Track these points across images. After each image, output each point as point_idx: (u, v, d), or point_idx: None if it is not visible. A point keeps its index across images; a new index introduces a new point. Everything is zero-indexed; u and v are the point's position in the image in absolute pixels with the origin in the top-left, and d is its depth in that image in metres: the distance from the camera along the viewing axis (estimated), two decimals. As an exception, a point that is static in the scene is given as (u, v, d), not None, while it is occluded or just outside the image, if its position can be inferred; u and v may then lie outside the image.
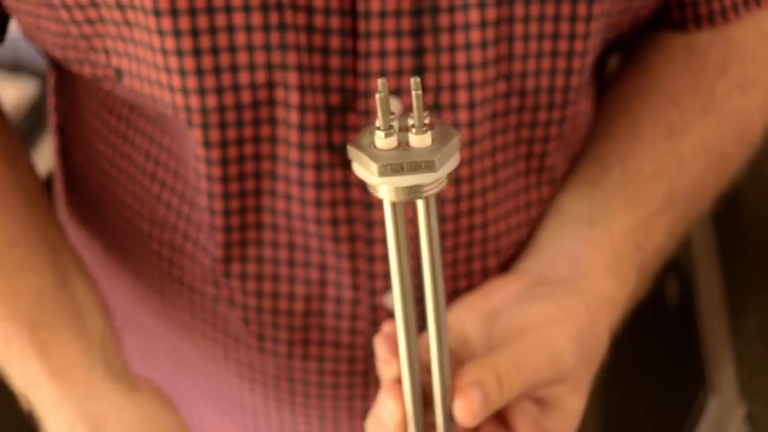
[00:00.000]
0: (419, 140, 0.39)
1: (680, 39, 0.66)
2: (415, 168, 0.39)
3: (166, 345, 0.69)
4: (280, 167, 0.56)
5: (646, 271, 0.62)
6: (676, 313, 1.26)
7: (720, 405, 1.06)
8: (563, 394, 0.54)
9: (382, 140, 0.39)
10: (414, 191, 0.40)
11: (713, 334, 1.12)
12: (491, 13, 0.53)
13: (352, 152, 0.40)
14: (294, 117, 0.54)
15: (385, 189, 0.40)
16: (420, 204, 0.42)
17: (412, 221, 0.45)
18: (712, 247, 1.18)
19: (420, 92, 0.39)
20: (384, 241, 0.57)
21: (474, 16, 0.52)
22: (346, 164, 0.56)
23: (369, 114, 0.54)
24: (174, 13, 0.49)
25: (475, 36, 0.53)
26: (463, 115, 0.55)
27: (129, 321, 0.71)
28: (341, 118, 0.54)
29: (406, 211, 0.43)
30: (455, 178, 0.57)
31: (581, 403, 0.55)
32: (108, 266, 0.70)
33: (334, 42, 0.52)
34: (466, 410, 0.48)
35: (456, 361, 0.55)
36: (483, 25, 0.53)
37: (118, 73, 0.55)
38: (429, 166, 0.39)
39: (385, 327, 0.53)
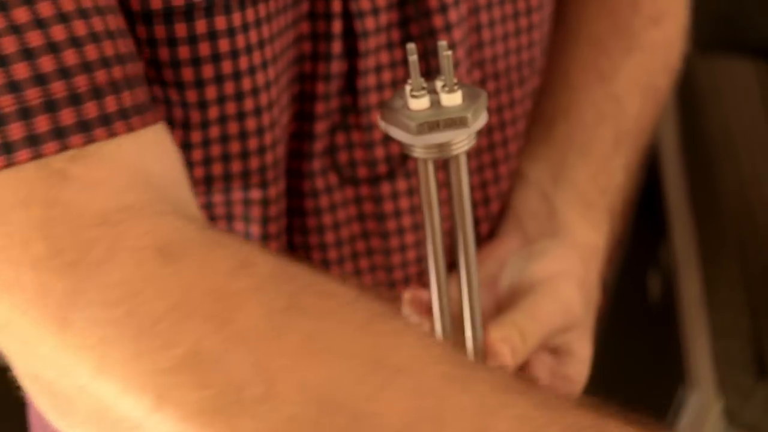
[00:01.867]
0: (450, 99, 0.41)
1: None
2: (450, 124, 0.41)
3: None
4: (292, 201, 0.56)
5: (614, 211, 0.65)
6: (659, 309, 1.27)
7: (699, 399, 1.08)
8: (574, 340, 0.56)
9: (415, 101, 0.41)
10: (446, 148, 0.42)
11: (693, 331, 1.14)
12: (463, 9, 0.55)
13: (387, 115, 0.42)
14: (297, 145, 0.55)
15: (419, 149, 0.42)
16: (452, 162, 0.44)
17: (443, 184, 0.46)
18: (693, 246, 1.20)
19: (449, 53, 0.41)
20: (401, 249, 0.58)
21: (453, 16, 0.54)
22: (356, 181, 0.56)
23: (371, 129, 0.55)
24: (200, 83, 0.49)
25: (456, 35, 0.54)
26: None
27: None
28: (346, 137, 0.55)
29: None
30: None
31: (590, 348, 0.57)
32: None
33: (335, 66, 0.53)
34: (499, 366, 0.49)
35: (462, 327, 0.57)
36: (459, 22, 0.55)
37: None
38: (463, 122, 0.40)
39: (406, 294, 0.54)
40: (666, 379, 1.22)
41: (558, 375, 0.56)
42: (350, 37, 0.53)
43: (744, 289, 1.09)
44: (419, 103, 0.41)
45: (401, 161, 0.56)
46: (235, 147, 0.51)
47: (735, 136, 1.26)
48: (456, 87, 0.41)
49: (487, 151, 0.61)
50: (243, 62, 0.48)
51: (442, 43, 0.41)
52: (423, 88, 0.42)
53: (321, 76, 0.53)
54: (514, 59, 0.59)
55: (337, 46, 0.52)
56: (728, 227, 1.16)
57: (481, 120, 0.42)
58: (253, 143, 0.51)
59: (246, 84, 0.49)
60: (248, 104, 0.50)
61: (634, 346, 1.24)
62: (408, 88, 0.42)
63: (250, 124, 0.51)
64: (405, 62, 0.54)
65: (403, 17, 0.53)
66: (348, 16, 0.52)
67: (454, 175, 0.44)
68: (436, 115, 0.41)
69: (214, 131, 0.51)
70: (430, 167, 0.44)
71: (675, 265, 1.23)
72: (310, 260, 0.59)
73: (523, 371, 0.55)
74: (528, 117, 0.63)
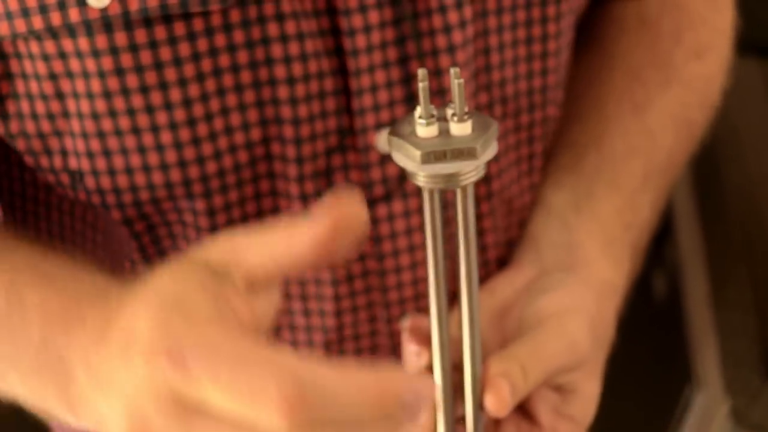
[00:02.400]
0: (460, 128, 0.40)
1: (631, 9, 0.66)
2: (458, 155, 0.39)
3: None
4: None
5: (637, 248, 0.63)
6: (664, 309, 1.27)
7: (705, 399, 1.08)
8: (580, 379, 0.54)
9: (423, 128, 0.40)
10: (453, 179, 0.40)
11: (699, 331, 1.13)
12: (470, 31, 0.53)
13: (393, 141, 0.41)
14: (292, 169, 0.53)
15: (424, 177, 0.40)
16: (459, 193, 0.43)
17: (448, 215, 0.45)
18: (698, 244, 1.19)
19: (462, 81, 0.39)
20: (396, 271, 0.57)
21: (457, 37, 0.52)
22: None
23: (367, 150, 0.54)
24: (163, 86, 0.48)
25: (460, 56, 0.53)
26: None
27: None
28: (342, 159, 0.54)
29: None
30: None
31: (597, 388, 0.56)
32: None
33: (328, 84, 0.51)
34: (497, 401, 0.48)
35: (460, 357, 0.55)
36: (464, 44, 0.53)
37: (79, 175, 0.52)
38: (471, 153, 0.39)
39: (406, 322, 0.53)
40: (672, 379, 1.21)
41: (562, 414, 0.54)
42: (340, 55, 0.51)
43: (751, 288, 1.08)
44: (427, 131, 0.40)
45: (398, 183, 0.55)
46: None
47: (741, 135, 1.25)
48: (466, 116, 0.40)
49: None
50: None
51: (456, 70, 0.40)
52: (432, 116, 0.40)
53: (301, 98, 0.51)
54: (524, 85, 0.57)
55: (318, 65, 0.51)
56: (734, 226, 1.15)
57: (491, 151, 0.41)
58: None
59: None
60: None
61: (640, 346, 1.24)
62: (417, 113, 0.41)
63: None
64: (403, 82, 0.52)
65: (399, 36, 0.52)
66: (337, 33, 0.51)
67: (461, 205, 0.43)
68: (443, 145, 0.40)
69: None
70: (436, 197, 0.42)
71: (680, 264, 1.22)
72: (303, 281, 0.58)
73: (524, 409, 0.54)
74: (542, 144, 0.61)
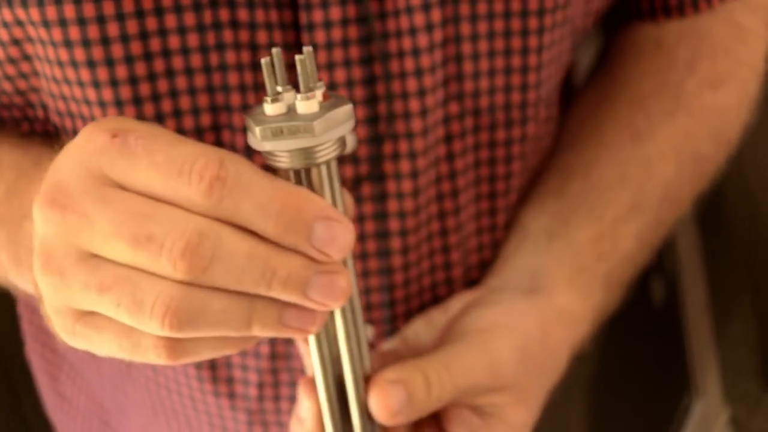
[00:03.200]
0: (305, 106, 0.39)
1: (649, 33, 0.64)
2: (294, 131, 0.39)
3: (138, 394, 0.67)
4: None
5: (614, 281, 0.60)
6: (662, 316, 1.26)
7: (704, 408, 1.07)
8: (504, 404, 0.51)
9: (268, 106, 0.39)
10: (306, 156, 0.39)
11: (698, 338, 1.13)
12: (437, 35, 0.51)
13: (246, 121, 0.40)
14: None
15: (272, 155, 0.40)
16: (318, 172, 0.41)
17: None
18: (697, 251, 1.18)
19: (303, 57, 0.39)
20: (363, 257, 0.55)
21: (423, 40, 0.51)
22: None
23: None
24: (109, 63, 0.48)
25: (425, 61, 0.51)
26: (419, 143, 0.53)
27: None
28: None
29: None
30: (414, 208, 0.55)
31: (526, 416, 0.53)
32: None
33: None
34: (383, 407, 0.46)
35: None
36: (431, 48, 0.51)
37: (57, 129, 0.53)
38: (308, 130, 0.39)
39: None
40: (671, 387, 1.20)
41: None
42: (298, 49, 0.50)
43: (750, 296, 1.07)
44: (273, 108, 0.39)
45: (353, 186, 0.53)
46: None
47: (739, 139, 1.24)
48: (309, 95, 0.39)
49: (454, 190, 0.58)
50: None
51: (308, 49, 0.39)
52: (277, 93, 0.39)
53: (250, 86, 0.51)
54: (501, 98, 0.55)
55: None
56: (733, 232, 1.14)
57: (339, 130, 0.40)
58: None
59: None
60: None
61: (638, 353, 1.23)
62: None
63: None
64: (364, 82, 0.51)
65: (364, 35, 0.50)
66: (297, 27, 0.50)
67: (326, 184, 0.42)
68: (282, 121, 0.39)
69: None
70: (292, 177, 0.41)
71: (679, 270, 1.21)
72: None
73: (438, 427, 0.51)
74: (521, 163, 0.59)
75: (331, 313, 0.45)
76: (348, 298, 0.40)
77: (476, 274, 0.60)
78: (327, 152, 0.40)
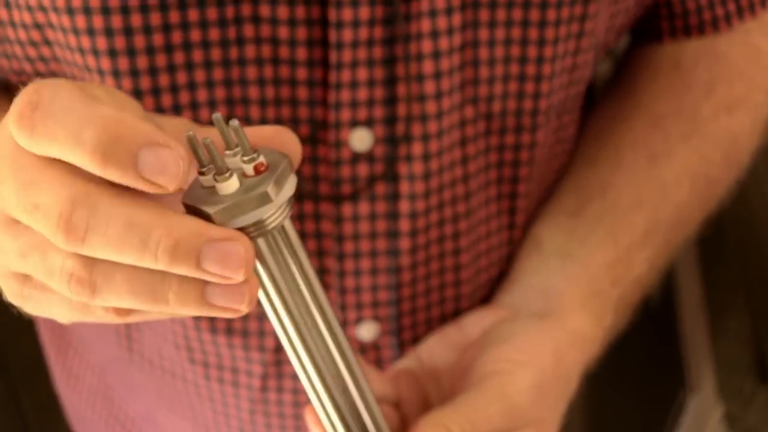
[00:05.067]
0: (227, 186, 0.36)
1: (668, 53, 0.64)
2: (253, 204, 0.35)
3: (144, 380, 0.67)
4: None
5: (625, 304, 0.61)
6: (657, 313, 1.27)
7: (699, 404, 1.07)
8: None
9: (224, 185, 0.36)
10: (260, 227, 0.36)
11: (693, 335, 1.13)
12: (457, 39, 0.52)
13: (194, 201, 0.36)
14: None
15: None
16: (273, 239, 0.38)
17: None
18: (692, 249, 1.19)
19: (236, 123, 0.36)
20: (355, 274, 0.56)
21: (443, 43, 0.51)
22: (317, 197, 0.54)
23: (340, 146, 0.52)
24: (131, 53, 0.48)
25: (445, 64, 0.52)
26: (434, 145, 0.54)
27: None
28: (311, 150, 0.53)
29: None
30: (425, 209, 0.56)
31: None
32: (82, 340, 0.69)
33: (301, 73, 0.51)
34: None
35: (421, 395, 0.54)
36: (450, 51, 0.52)
37: None
38: (265, 199, 0.35)
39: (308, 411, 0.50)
40: (666, 383, 1.21)
41: None
42: (322, 46, 0.51)
43: (744, 292, 1.08)
44: (228, 186, 0.35)
45: (367, 184, 0.54)
46: None
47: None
48: (228, 174, 0.35)
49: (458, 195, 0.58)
50: None
51: (231, 120, 0.36)
52: (228, 169, 0.35)
53: (269, 80, 0.51)
54: (513, 104, 0.55)
55: (301, 53, 0.51)
56: (728, 229, 1.15)
57: (288, 189, 0.37)
58: None
59: None
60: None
61: (633, 349, 1.23)
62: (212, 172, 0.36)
63: None
64: (385, 83, 0.52)
65: (389, 35, 0.51)
66: (324, 24, 0.50)
67: (288, 252, 0.39)
68: (235, 198, 0.35)
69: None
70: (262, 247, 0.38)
71: (674, 268, 1.22)
72: None
73: None
74: (529, 169, 0.59)
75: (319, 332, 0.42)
76: (251, 267, 0.35)
77: (485, 277, 0.61)
78: (280, 214, 0.37)
